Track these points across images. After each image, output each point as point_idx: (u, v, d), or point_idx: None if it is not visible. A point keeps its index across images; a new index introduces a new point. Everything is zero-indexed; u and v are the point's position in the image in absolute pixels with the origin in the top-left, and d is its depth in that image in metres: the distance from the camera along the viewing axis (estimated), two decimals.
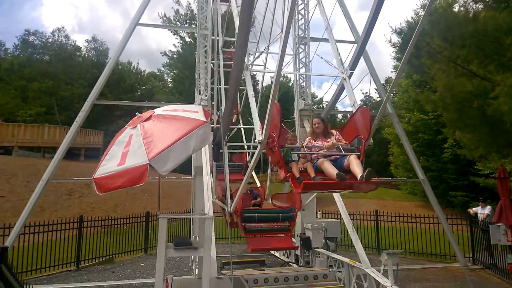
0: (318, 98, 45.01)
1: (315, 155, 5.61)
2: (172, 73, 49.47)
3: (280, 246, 8.97)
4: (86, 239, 11.66)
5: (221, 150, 10.06)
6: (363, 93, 50.44)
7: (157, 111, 6.12)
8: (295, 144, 6.10)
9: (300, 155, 5.71)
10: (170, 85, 50.30)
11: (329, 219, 11.85)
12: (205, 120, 5.80)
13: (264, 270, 7.48)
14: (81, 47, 47.15)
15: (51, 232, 10.63)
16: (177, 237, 6.23)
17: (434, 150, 23.42)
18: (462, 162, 20.97)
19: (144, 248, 13.25)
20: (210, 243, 5.65)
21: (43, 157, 25.81)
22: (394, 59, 27.83)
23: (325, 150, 5.56)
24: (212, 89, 11.03)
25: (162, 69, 52.34)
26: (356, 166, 5.17)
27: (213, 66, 11.25)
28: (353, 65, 8.18)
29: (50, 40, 45.21)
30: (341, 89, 8.93)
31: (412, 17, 25.00)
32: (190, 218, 11.31)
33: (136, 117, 6.05)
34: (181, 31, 44.99)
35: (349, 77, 8.05)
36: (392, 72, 29.89)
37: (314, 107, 11.59)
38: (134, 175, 4.91)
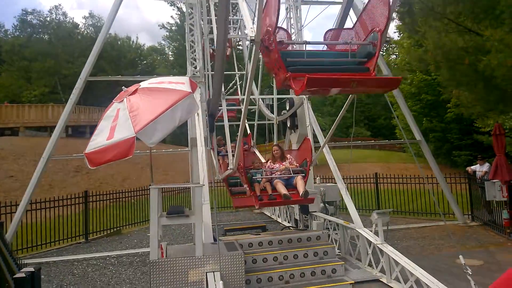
0: None
1: (274, 174, 7.24)
2: (172, 46, 48.88)
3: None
4: (94, 213, 12.09)
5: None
6: None
7: (143, 84, 6.17)
8: (260, 168, 7.56)
9: (263, 175, 7.25)
10: (171, 59, 49.82)
11: (328, 184, 12.02)
12: (190, 91, 5.83)
13: (260, 234, 7.75)
14: (79, 24, 46.75)
15: (59, 208, 11.01)
16: (172, 206, 6.44)
17: (438, 111, 23.15)
18: (466, 121, 20.76)
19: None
20: (201, 210, 5.84)
21: (49, 136, 26.21)
22: (394, 18, 27.01)
23: (280, 172, 7.26)
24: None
25: (163, 42, 51.74)
26: (300, 186, 6.77)
27: (203, 32, 11.09)
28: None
29: (48, 18, 44.83)
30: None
31: None
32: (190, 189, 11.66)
33: (122, 91, 6.11)
34: (177, 2, 43.93)
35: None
36: (395, 32, 29.02)
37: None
38: (122, 148, 5.02)
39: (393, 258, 6.16)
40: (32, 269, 2.28)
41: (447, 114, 21.64)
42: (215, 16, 9.67)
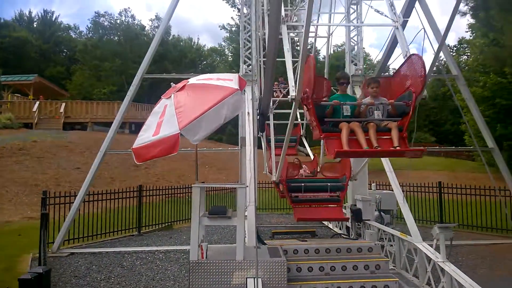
0: (370, 62, 42.61)
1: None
2: (231, 47, 49.73)
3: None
4: (148, 207, 12.44)
5: (267, 122, 9.93)
6: None
7: (191, 80, 6.10)
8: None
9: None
10: (230, 59, 50.73)
11: (384, 191, 11.24)
12: (237, 88, 5.64)
13: (306, 241, 7.35)
14: (145, 27, 49.32)
15: (115, 200, 11.47)
16: (213, 206, 6.31)
17: None
18: None
19: None
20: (243, 212, 5.62)
21: None
22: (464, 14, 24.78)
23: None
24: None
25: (223, 43, 52.86)
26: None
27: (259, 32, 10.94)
28: (407, 11, 7.48)
29: (118, 21, 47.85)
30: (393, 42, 7.95)
31: None
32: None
33: (171, 87, 6.08)
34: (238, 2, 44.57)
35: (403, 25, 7.22)
36: (466, 32, 26.70)
37: (367, 72, 10.77)
38: (167, 144, 4.98)
39: (455, 279, 5.45)
40: (40, 271, 2.16)
41: None
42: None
